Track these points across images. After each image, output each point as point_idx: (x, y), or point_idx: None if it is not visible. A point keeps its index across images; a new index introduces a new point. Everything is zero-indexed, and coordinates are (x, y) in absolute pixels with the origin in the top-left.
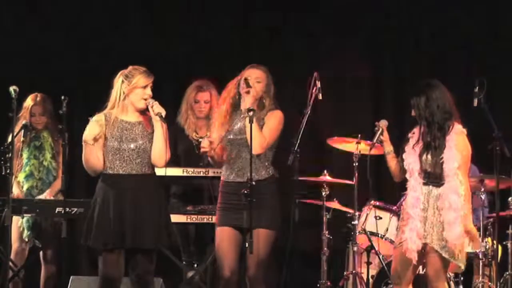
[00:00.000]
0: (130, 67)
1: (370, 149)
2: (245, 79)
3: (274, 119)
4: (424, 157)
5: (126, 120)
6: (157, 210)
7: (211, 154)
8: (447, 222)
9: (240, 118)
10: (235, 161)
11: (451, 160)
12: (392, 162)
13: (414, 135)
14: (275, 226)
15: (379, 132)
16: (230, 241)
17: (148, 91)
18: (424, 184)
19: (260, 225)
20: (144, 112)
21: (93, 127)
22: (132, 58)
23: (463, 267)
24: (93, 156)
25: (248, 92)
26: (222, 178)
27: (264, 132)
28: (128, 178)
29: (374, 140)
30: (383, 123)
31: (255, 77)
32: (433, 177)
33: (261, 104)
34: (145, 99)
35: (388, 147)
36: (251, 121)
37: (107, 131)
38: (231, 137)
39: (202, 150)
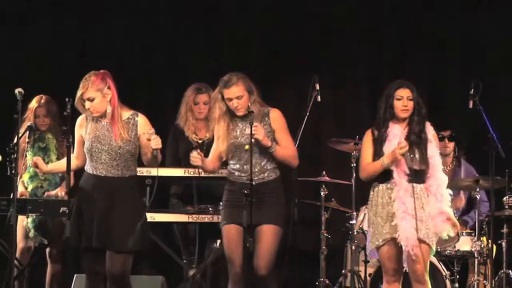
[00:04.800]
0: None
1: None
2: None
3: (280, 122)
4: (411, 156)
5: (103, 123)
6: (130, 214)
7: (200, 166)
8: (436, 214)
9: (246, 124)
10: (246, 163)
11: (435, 156)
12: (380, 169)
13: (390, 133)
14: (281, 222)
15: (402, 148)
16: (237, 238)
17: (87, 105)
18: (409, 181)
19: (268, 220)
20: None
21: (80, 128)
22: (134, 63)
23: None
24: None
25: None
26: (230, 179)
27: (283, 141)
28: (104, 180)
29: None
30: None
31: (235, 96)
32: (418, 175)
33: (254, 108)
34: (90, 111)
35: (391, 163)
36: (251, 123)
37: (86, 132)
38: (242, 141)
39: (192, 162)
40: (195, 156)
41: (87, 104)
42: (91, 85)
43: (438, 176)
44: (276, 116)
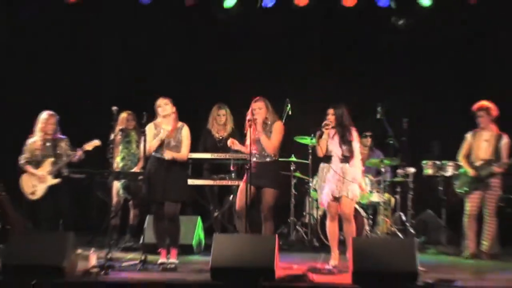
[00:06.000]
0: None
1: (322, 129)
2: (249, 121)
3: (276, 130)
4: (342, 147)
5: (164, 127)
6: (179, 179)
7: (240, 149)
8: (353, 179)
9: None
10: (254, 151)
11: (355, 148)
12: (323, 144)
13: (330, 133)
14: (276, 186)
15: (326, 123)
16: (244, 191)
17: (162, 108)
18: (341, 162)
19: (267, 185)
20: (170, 121)
21: (151, 129)
22: (178, 90)
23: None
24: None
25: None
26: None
27: (272, 140)
28: (163, 160)
29: (323, 125)
30: (331, 119)
31: (257, 108)
32: (346, 158)
33: (267, 120)
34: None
35: (327, 135)
36: (249, 127)
37: (154, 133)
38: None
39: (229, 145)
40: (230, 143)
41: (162, 107)
42: (164, 97)
43: (355, 160)
44: (276, 126)
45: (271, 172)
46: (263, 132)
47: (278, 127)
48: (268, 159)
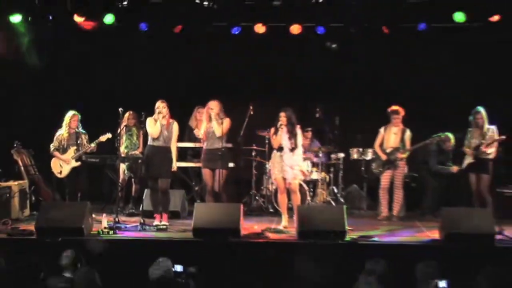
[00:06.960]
0: None
1: (279, 128)
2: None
3: (225, 124)
4: (291, 141)
5: (161, 123)
6: (168, 162)
7: (199, 137)
8: (296, 165)
9: (213, 122)
10: (210, 139)
11: (298, 141)
12: (279, 139)
13: (283, 130)
14: (226, 167)
15: (280, 123)
16: (209, 174)
17: (160, 109)
18: (290, 151)
19: (222, 167)
20: (164, 120)
21: (151, 123)
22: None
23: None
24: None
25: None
26: (204, 147)
27: (222, 127)
28: (158, 147)
29: (279, 125)
30: (283, 120)
31: (212, 106)
32: (292, 149)
33: (219, 117)
34: (160, 113)
35: (281, 132)
36: (217, 121)
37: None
38: (213, 129)
39: (197, 135)
40: (197, 133)
41: (160, 108)
42: (162, 101)
43: (298, 150)
44: (226, 121)
45: (225, 157)
46: (215, 121)
47: (226, 122)
48: (222, 147)
